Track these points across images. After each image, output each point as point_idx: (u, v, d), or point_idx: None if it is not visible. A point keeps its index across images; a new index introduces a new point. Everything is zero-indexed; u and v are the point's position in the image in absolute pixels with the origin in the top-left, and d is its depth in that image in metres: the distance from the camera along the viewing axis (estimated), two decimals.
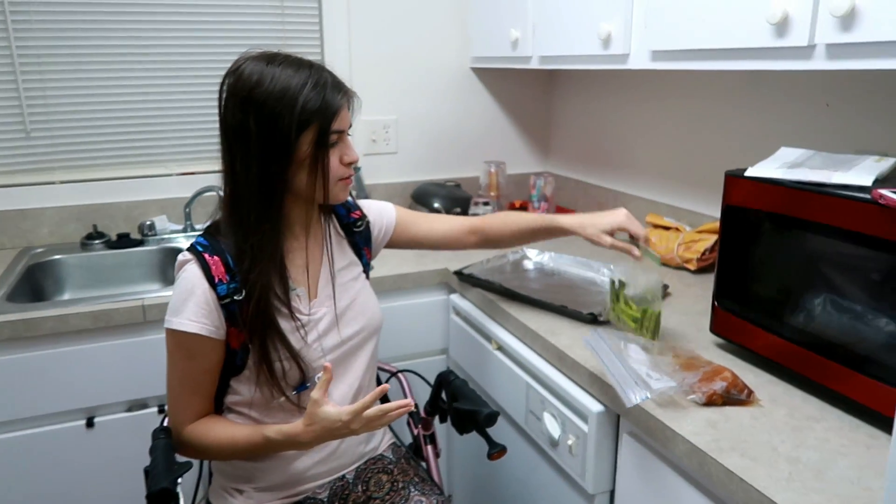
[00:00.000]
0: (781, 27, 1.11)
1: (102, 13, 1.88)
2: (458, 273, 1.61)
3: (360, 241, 1.29)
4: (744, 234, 1.13)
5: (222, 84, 1.06)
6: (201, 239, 1.09)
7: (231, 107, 1.03)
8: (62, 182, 1.95)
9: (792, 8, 1.08)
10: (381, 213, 1.35)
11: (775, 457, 0.89)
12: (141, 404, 1.56)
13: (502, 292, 1.49)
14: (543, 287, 1.55)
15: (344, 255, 1.24)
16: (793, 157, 1.14)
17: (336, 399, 1.16)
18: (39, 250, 1.89)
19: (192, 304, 1.04)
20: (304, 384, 1.13)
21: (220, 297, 1.05)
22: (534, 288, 1.54)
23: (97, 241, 1.91)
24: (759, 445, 0.91)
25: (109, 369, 1.51)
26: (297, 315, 1.11)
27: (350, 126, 1.11)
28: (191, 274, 1.05)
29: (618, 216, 1.29)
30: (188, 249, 1.08)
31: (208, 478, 1.27)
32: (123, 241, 1.93)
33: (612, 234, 1.29)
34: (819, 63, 1.07)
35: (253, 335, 1.07)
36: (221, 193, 1.11)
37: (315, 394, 1.00)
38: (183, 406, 1.10)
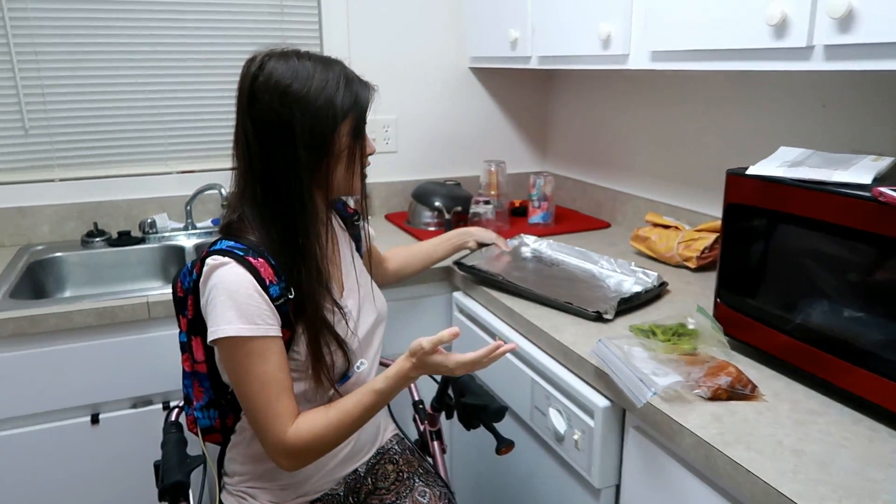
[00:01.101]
0: (780, 28, 1.13)
1: (101, 10, 1.88)
2: (459, 264, 1.62)
3: (357, 235, 1.32)
4: (745, 232, 1.16)
5: (247, 81, 1.05)
6: (231, 242, 1.05)
7: (267, 101, 1.03)
8: (62, 180, 1.94)
9: (790, 10, 1.10)
10: (370, 233, 1.38)
11: (780, 450, 0.91)
12: (146, 401, 1.56)
13: (506, 288, 1.50)
14: (545, 280, 1.55)
15: (349, 247, 1.28)
16: (792, 157, 1.17)
17: (354, 381, 1.18)
18: (40, 248, 1.89)
19: (253, 305, 1.01)
20: (346, 375, 1.15)
21: (273, 299, 1.03)
22: (535, 280, 1.54)
23: (98, 239, 1.91)
24: (763, 439, 0.93)
25: (114, 366, 1.51)
26: (340, 307, 1.13)
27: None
28: (234, 276, 1.01)
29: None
30: (220, 253, 1.03)
31: (217, 480, 1.25)
32: (124, 238, 1.93)
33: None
34: (817, 64, 1.09)
35: (308, 331, 1.07)
36: (225, 192, 1.12)
37: (427, 345, 1.03)
38: (277, 413, 1.02)
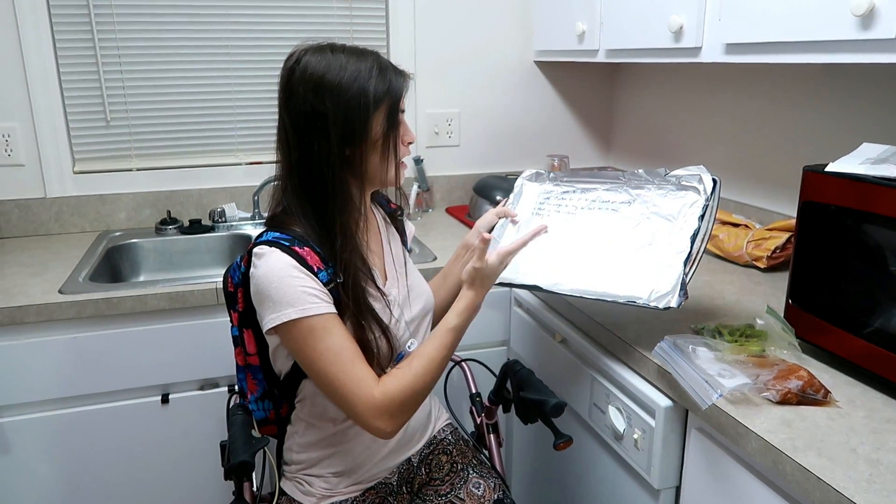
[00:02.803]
0: (867, 19, 1.08)
1: (178, 6, 1.96)
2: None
3: (400, 228, 1.33)
4: (822, 232, 1.11)
5: (285, 77, 1.08)
6: (277, 233, 1.06)
7: (302, 94, 1.05)
8: (139, 169, 2.03)
9: None
10: (409, 229, 1.38)
11: (854, 458, 0.87)
12: (213, 383, 1.62)
13: (547, 292, 1.24)
14: (583, 252, 1.24)
15: (395, 239, 1.28)
16: (876, 153, 1.11)
17: None
18: (118, 234, 1.98)
19: (305, 287, 1.02)
20: (400, 354, 1.16)
21: (325, 284, 1.05)
22: (573, 261, 1.23)
23: (170, 227, 1.99)
24: (836, 446, 0.90)
25: (184, 349, 1.57)
26: (384, 294, 1.14)
27: (405, 109, 1.14)
28: (280, 262, 1.02)
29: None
30: (266, 244, 1.05)
31: (276, 468, 1.26)
32: (195, 226, 2.00)
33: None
34: None
35: (353, 317, 1.08)
36: (276, 184, 1.14)
37: (476, 263, 1.12)
38: (358, 378, 1.02)
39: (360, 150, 1.07)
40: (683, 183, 1.21)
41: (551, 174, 1.40)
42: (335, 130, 1.05)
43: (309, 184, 1.09)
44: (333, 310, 1.05)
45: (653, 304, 1.13)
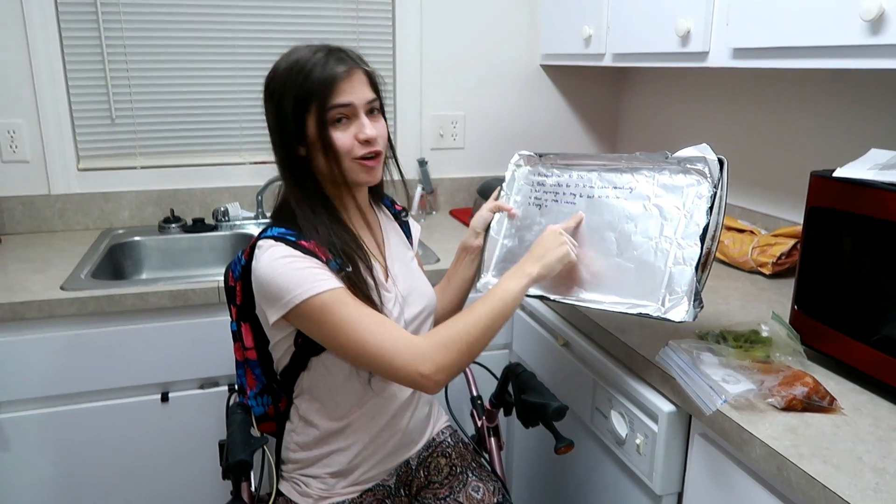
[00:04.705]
0: (876, 24, 1.07)
1: (185, 5, 1.96)
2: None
3: (405, 230, 1.32)
4: (829, 238, 1.10)
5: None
6: (281, 229, 1.06)
7: (265, 98, 1.09)
8: (142, 167, 2.03)
9: (888, 4, 1.04)
10: (415, 230, 1.36)
11: (860, 466, 0.86)
12: (212, 382, 1.61)
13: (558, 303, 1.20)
14: (591, 247, 1.18)
15: (400, 238, 1.27)
16: (885, 159, 1.10)
17: None
18: (120, 231, 1.98)
19: (311, 267, 1.01)
20: None
21: (336, 272, 1.03)
22: (578, 254, 1.16)
23: (174, 225, 1.99)
24: (842, 454, 0.88)
25: (184, 347, 1.56)
26: (383, 290, 1.12)
27: (372, 100, 1.07)
28: (281, 251, 1.02)
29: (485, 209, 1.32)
30: (271, 238, 1.05)
31: (275, 468, 1.25)
32: (198, 225, 2.00)
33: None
34: None
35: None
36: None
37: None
38: (391, 332, 1.00)
39: (305, 154, 1.08)
40: (687, 166, 1.13)
41: (541, 155, 1.34)
42: (275, 134, 1.07)
43: (290, 184, 1.10)
44: (342, 284, 1.02)
45: (666, 317, 1.05)
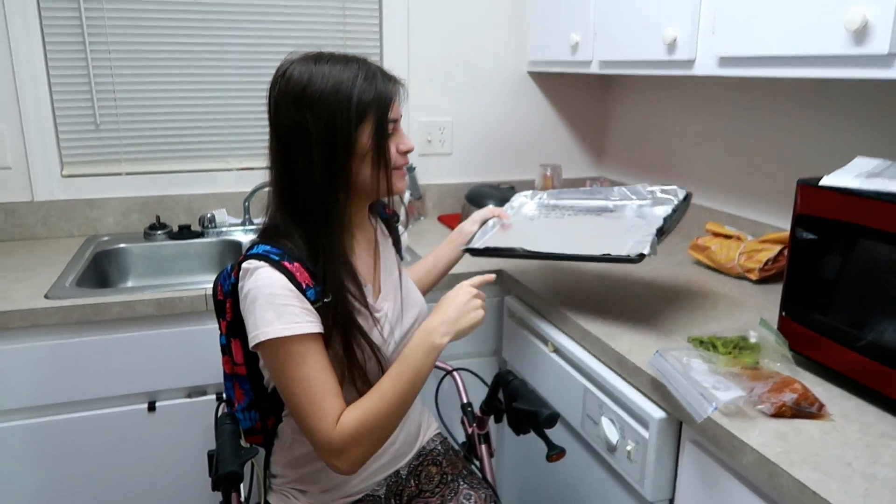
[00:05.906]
0: (860, 34, 1.09)
1: (169, 10, 1.94)
2: (469, 249, 1.41)
3: (397, 239, 1.32)
4: (816, 244, 1.11)
5: (272, 89, 1.07)
6: (267, 247, 1.04)
7: (284, 108, 1.04)
8: (128, 174, 2.01)
9: (872, 14, 1.06)
10: (403, 238, 1.37)
11: (849, 472, 0.87)
12: (200, 391, 1.60)
13: (530, 257, 1.33)
14: (567, 235, 1.40)
15: (391, 250, 1.27)
16: (870, 167, 1.11)
17: None
18: (105, 238, 1.95)
19: (290, 306, 1.00)
20: None
21: (312, 302, 1.02)
22: (556, 239, 1.37)
23: (160, 232, 1.97)
24: (831, 460, 0.89)
25: (171, 356, 1.55)
26: (373, 312, 1.11)
27: (401, 116, 1.12)
28: (268, 279, 1.00)
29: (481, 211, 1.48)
30: (255, 257, 1.03)
31: (263, 479, 1.25)
32: (185, 232, 1.98)
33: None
34: None
35: (343, 336, 1.05)
36: (269, 191, 1.12)
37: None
38: (323, 413, 1.00)
39: (349, 164, 1.05)
40: (659, 195, 1.45)
41: (546, 193, 1.61)
42: (318, 145, 1.02)
43: (292, 199, 1.07)
44: (317, 329, 1.02)
45: (625, 254, 1.23)
